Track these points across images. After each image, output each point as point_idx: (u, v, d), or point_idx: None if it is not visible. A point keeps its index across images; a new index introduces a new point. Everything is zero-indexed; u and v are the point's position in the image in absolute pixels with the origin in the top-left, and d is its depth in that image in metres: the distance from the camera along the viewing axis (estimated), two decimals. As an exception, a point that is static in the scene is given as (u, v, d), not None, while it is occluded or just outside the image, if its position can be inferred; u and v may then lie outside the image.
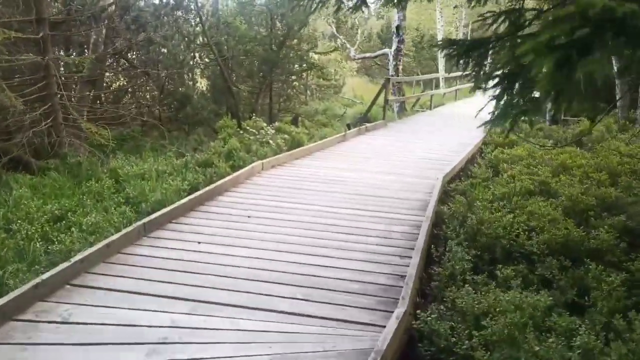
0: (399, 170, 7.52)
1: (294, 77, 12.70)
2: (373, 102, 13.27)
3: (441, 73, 22.68)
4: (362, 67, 31.20)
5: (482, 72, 3.85)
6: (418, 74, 29.23)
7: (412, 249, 4.29)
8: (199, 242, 4.35)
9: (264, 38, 11.70)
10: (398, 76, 15.12)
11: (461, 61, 3.86)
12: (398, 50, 15.06)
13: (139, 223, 4.46)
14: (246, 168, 6.67)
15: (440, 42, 4.15)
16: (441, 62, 26.38)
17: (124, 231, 4.27)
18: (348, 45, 19.93)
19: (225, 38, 11.86)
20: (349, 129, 13.38)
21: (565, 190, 5.86)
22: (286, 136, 8.99)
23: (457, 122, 13.76)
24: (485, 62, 3.96)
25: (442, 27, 25.98)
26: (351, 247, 4.37)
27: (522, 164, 7.82)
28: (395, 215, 5.34)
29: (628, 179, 6.53)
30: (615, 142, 9.30)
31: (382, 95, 13.25)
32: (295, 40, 11.70)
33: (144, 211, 5.28)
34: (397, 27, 14.98)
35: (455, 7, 30.00)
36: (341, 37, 21.60)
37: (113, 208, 5.34)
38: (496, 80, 3.39)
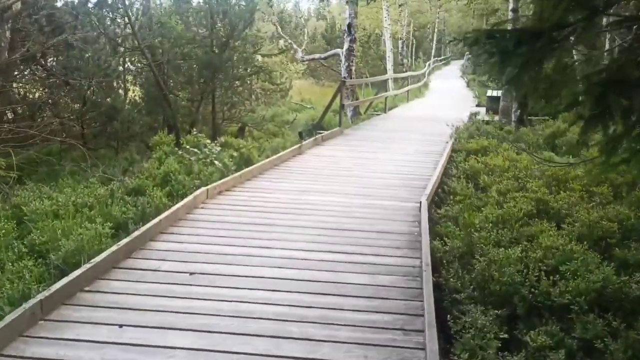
0: (370, 191, 6.43)
1: (238, 83, 11.38)
2: (328, 107, 12.19)
3: (390, 73, 21.92)
4: (307, 69, 30.13)
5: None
6: (366, 75, 28.48)
7: (418, 315, 3.19)
8: (121, 326, 3.06)
9: (204, 39, 10.35)
10: (351, 78, 14.10)
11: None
12: (350, 50, 14.04)
13: (34, 301, 3.12)
14: (187, 199, 5.36)
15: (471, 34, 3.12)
16: (389, 62, 25.70)
17: (7, 319, 2.92)
18: (295, 46, 18.81)
19: (159, 40, 10.41)
20: (301, 137, 12.23)
21: (580, 214, 4.92)
22: (234, 153, 7.73)
23: (418, 126, 12.89)
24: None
25: (389, 25, 25.30)
26: (334, 318, 3.18)
27: (506, 175, 6.92)
28: (379, 259, 4.21)
29: (637, 193, 5.72)
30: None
31: (337, 100, 12.19)
32: (240, 42, 10.41)
33: (53, 265, 3.94)
34: (349, 25, 13.96)
35: (401, 5, 29.50)
36: (286, 37, 20.40)
37: (10, 263, 3.95)
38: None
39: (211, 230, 4.76)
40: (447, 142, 10.20)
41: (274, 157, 7.99)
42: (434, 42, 53.70)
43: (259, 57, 12.64)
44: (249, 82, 11.74)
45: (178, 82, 11.03)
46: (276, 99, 20.88)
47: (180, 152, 7.28)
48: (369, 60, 28.16)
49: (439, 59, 54.99)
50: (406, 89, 19.68)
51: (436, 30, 54.11)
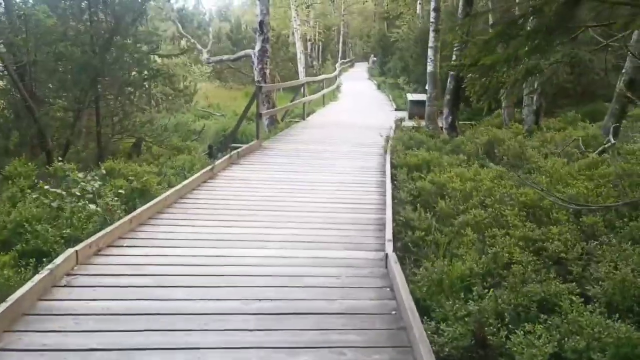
0: (312, 235, 4.84)
1: (131, 88, 9.29)
2: (243, 116, 10.49)
3: (304, 77, 20.53)
4: (213, 72, 27.96)
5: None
6: (277, 78, 26.90)
7: None
8: None
9: (80, 36, 8.18)
10: (266, 82, 12.45)
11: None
12: (263, 50, 12.39)
13: None
14: (41, 275, 3.45)
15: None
16: (301, 64, 24.34)
17: None
18: (199, 47, 16.81)
19: (22, 37, 8.11)
20: (211, 152, 10.43)
21: (602, 269, 3.66)
22: (124, 184, 5.80)
23: (345, 135, 11.53)
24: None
25: (298, 26, 23.95)
26: None
27: (472, 203, 5.66)
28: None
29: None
30: (557, 159, 7.62)
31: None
32: (130, 39, 8.36)
33: None
34: (261, 23, 12.30)
35: (309, 6, 28.31)
36: (189, 37, 18.28)
37: None
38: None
39: (80, 341, 2.92)
40: (384, 155, 8.92)
41: (179, 186, 6.16)
42: (340, 44, 53.40)
43: (157, 59, 10.60)
44: (145, 87, 9.66)
45: (51, 89, 8.74)
46: (180, 104, 18.74)
47: (45, 187, 5.24)
48: (279, 62, 26.61)
49: (345, 61, 54.82)
50: (322, 92, 18.36)
51: (341, 32, 53.86)
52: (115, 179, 5.86)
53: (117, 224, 4.65)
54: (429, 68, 12.41)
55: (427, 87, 14.97)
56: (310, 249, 4.46)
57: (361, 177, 7.42)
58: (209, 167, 7.24)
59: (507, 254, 4.28)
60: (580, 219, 4.99)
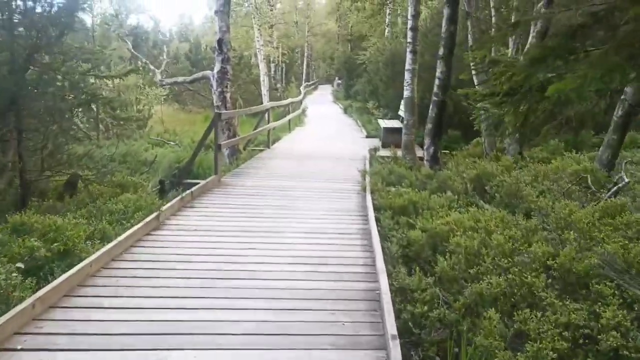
0: (282, 327, 3.57)
1: (66, 115, 7.84)
2: (199, 147, 9.16)
3: (268, 102, 19.37)
4: (171, 94, 26.45)
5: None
6: (239, 101, 25.63)
7: None
8: None
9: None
10: (227, 107, 11.18)
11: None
12: (223, 72, 11.14)
13: None
14: None
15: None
16: (264, 87, 23.19)
17: None
18: (152, 67, 15.44)
19: None
20: (163, 188, 9.06)
21: None
22: (35, 246, 4.39)
23: (315, 167, 10.35)
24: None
25: (262, 47, 22.83)
26: None
27: (485, 265, 4.53)
28: None
29: None
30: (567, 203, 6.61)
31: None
32: (60, 57, 6.95)
33: None
34: (220, 42, 11.06)
35: (272, 26, 27.32)
36: (141, 56, 16.86)
37: None
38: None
39: None
40: (362, 194, 7.77)
41: (111, 245, 4.80)
42: (304, 66, 52.74)
43: (98, 81, 9.20)
44: (77, 113, 8.21)
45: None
46: (132, 130, 17.19)
47: None
48: (242, 85, 25.39)
49: (309, 83, 54.20)
50: (288, 118, 17.22)
51: (305, 54, 53.28)
52: (25, 239, 4.44)
53: (10, 313, 3.28)
54: (406, 93, 11.44)
55: (401, 113, 14.06)
56: (281, 348, 3.19)
57: (340, 223, 6.22)
58: (153, 215, 5.89)
59: (551, 351, 3.15)
60: (624, 292, 3.92)
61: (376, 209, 6.88)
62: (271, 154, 12.16)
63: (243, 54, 27.43)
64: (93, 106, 11.14)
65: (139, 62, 17.34)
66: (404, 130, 11.64)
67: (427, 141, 9.79)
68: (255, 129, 12.70)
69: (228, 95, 11.29)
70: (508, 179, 8.03)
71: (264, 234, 5.66)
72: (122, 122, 17.14)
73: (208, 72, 11.97)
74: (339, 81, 45.06)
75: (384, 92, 18.61)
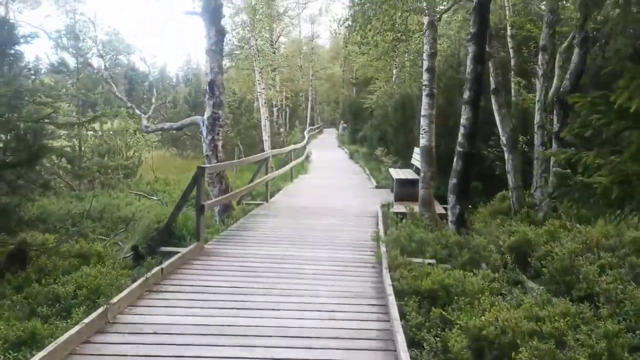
0: None
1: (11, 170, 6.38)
2: (178, 208, 7.67)
3: (269, 150, 18.07)
4: (168, 138, 25.26)
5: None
6: (238, 146, 24.39)
7: None
8: None
9: None
10: (218, 157, 9.74)
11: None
12: (215, 118, 9.77)
13: None
14: None
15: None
16: (265, 132, 21.93)
17: None
18: (137, 112, 14.23)
19: None
20: (137, 256, 7.56)
21: None
22: None
23: (319, 226, 8.83)
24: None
25: (263, 90, 21.73)
26: None
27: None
28: None
29: None
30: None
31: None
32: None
33: None
34: (211, 84, 9.75)
35: (274, 70, 26.38)
36: (125, 100, 15.60)
37: None
38: None
39: None
40: (378, 269, 6.21)
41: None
42: (309, 110, 52.00)
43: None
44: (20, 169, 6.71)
45: None
46: (117, 180, 15.78)
47: None
48: (242, 130, 24.18)
49: (314, 127, 53.38)
50: (289, 166, 15.82)
51: (310, 97, 52.64)
52: None
53: None
54: (422, 141, 10.03)
55: (415, 162, 12.65)
56: None
57: (351, 320, 4.64)
58: (100, 310, 4.34)
59: None
60: None
61: (397, 293, 5.32)
62: (269, 209, 10.64)
63: (245, 97, 26.39)
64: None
65: (124, 107, 16.09)
66: (420, 184, 10.17)
67: (451, 199, 8.28)
68: (251, 181, 11.24)
69: (220, 143, 9.88)
70: (558, 251, 6.48)
71: (247, 339, 4.09)
72: (109, 171, 15.76)
73: (198, 118, 10.64)
74: (344, 125, 44.08)
75: (394, 138, 17.27)
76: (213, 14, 9.42)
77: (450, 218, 8.38)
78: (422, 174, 10.17)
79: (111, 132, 16.28)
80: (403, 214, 10.04)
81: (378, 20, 7.96)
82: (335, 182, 15.68)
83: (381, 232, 8.12)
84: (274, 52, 24.57)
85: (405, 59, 21.57)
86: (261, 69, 21.38)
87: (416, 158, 13.43)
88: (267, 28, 23.64)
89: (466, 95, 7.64)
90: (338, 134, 46.17)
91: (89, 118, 9.21)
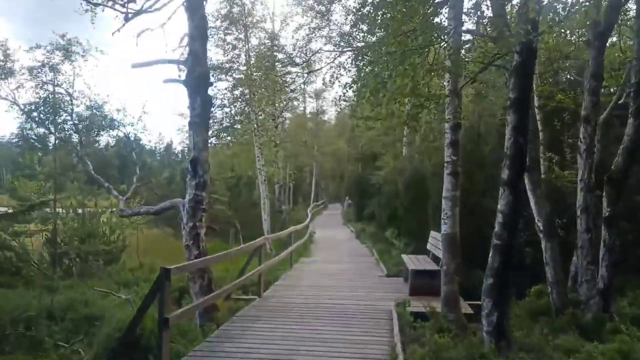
0: None
1: None
2: (141, 313, 5.94)
3: (267, 227, 16.52)
4: (162, 217, 23.70)
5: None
6: (235, 224, 22.84)
7: None
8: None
9: None
10: (200, 248, 8.14)
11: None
12: (197, 201, 8.27)
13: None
14: None
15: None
16: (265, 211, 20.40)
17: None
18: (115, 193, 12.84)
19: None
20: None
21: None
22: None
23: (322, 336, 7.03)
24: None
25: (263, 167, 20.50)
26: None
27: None
28: None
29: None
30: None
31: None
32: None
33: None
34: (194, 162, 8.34)
35: (276, 145, 25.34)
36: (102, 180, 14.21)
37: None
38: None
39: None
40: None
41: None
42: (313, 185, 50.89)
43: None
44: None
45: None
46: (96, 267, 14.08)
47: None
48: (238, 209, 22.72)
49: (318, 203, 52.07)
50: (289, 250, 14.16)
51: (314, 173, 51.72)
52: None
53: None
54: (444, 227, 8.44)
55: (431, 248, 11.01)
56: None
57: None
58: None
59: None
60: None
61: None
62: (261, 308, 8.85)
63: (246, 174, 25.15)
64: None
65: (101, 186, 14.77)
66: (443, 278, 8.46)
67: (486, 304, 6.55)
68: (241, 274, 9.55)
69: (202, 231, 8.33)
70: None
71: None
72: (89, 257, 14.14)
73: (178, 201, 9.14)
74: (349, 201, 42.66)
75: (405, 219, 15.70)
76: (198, 80, 8.20)
77: (485, 327, 6.61)
78: (444, 267, 8.49)
79: (90, 211, 14.81)
80: (422, 314, 8.29)
81: (394, 84, 6.59)
82: (340, 271, 13.89)
83: (398, 348, 6.34)
84: (276, 127, 23.64)
85: (421, 131, 20.42)
86: (261, 144, 20.26)
87: (432, 243, 11.77)
88: (269, 102, 22.78)
89: (505, 174, 6.14)
90: (343, 210, 44.66)
91: (25, 207, 7.85)
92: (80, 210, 14.93)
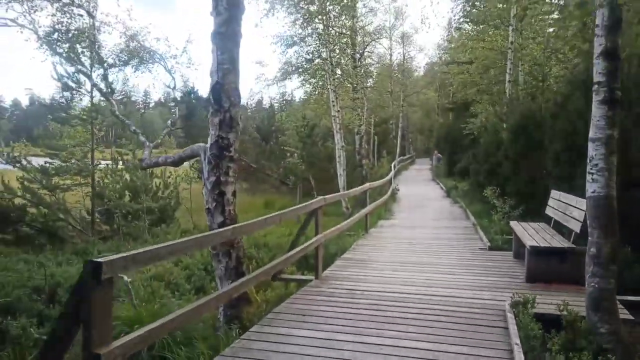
0: None
1: None
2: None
3: (342, 183, 14.04)
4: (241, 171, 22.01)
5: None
6: (309, 182, 20.53)
7: None
8: None
9: None
10: (226, 213, 5.73)
11: None
12: (222, 146, 5.79)
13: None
14: None
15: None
16: (340, 166, 17.81)
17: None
18: (142, 139, 10.84)
19: None
20: None
21: None
22: None
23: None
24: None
25: (338, 112, 17.79)
26: None
27: None
28: None
29: None
30: None
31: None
32: None
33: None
34: (217, 89, 5.81)
35: (354, 89, 22.39)
36: (129, 123, 12.27)
37: None
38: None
39: None
40: None
41: None
42: (399, 138, 47.52)
43: None
44: None
45: None
46: (142, 229, 12.28)
47: None
48: (316, 162, 20.31)
49: (405, 157, 48.80)
50: (363, 212, 11.56)
51: (400, 125, 48.22)
52: None
53: None
54: (593, 187, 5.35)
55: (553, 214, 7.79)
56: None
57: None
58: None
59: None
60: None
61: None
62: (313, 301, 6.31)
63: (320, 123, 22.59)
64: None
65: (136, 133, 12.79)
66: (589, 268, 5.44)
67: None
68: (291, 247, 7.11)
69: (230, 188, 5.88)
70: None
71: None
72: (140, 214, 12.42)
73: (199, 146, 6.78)
74: (439, 156, 39.03)
75: (512, 175, 12.42)
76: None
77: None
78: (592, 249, 5.44)
79: (134, 163, 13.03)
80: (555, 319, 5.44)
81: None
82: (428, 237, 11.08)
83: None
84: (354, 68, 20.67)
85: (525, 68, 16.63)
86: (336, 86, 17.46)
87: (554, 207, 8.60)
88: (348, 42, 19.78)
89: None
90: (432, 165, 41.19)
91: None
92: (120, 162, 13.22)
